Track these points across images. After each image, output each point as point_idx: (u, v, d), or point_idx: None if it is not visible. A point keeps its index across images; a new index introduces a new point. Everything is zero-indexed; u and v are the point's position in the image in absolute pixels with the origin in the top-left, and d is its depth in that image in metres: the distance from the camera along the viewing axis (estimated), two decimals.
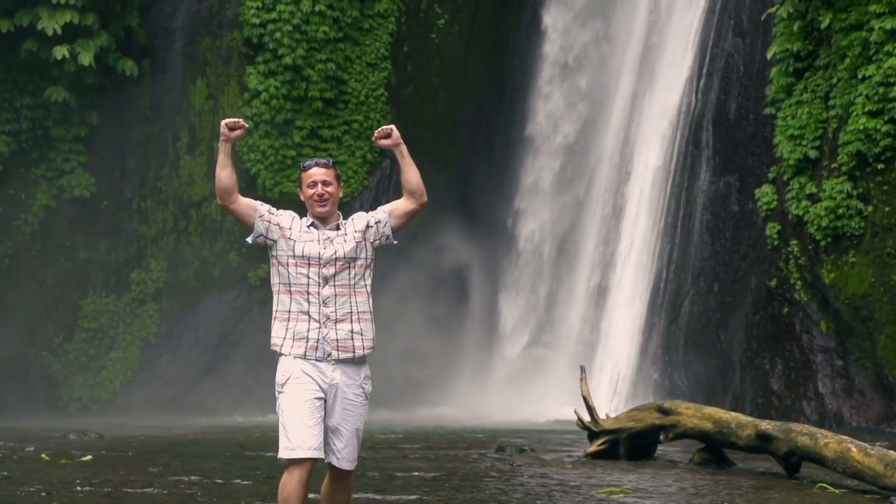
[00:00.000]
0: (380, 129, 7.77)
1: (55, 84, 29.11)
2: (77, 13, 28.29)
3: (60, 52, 28.21)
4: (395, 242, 7.82)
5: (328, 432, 7.52)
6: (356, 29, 30.65)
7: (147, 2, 30.48)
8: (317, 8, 29.50)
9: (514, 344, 30.99)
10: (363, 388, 7.61)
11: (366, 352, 7.59)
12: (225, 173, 7.62)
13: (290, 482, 7.36)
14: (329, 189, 7.63)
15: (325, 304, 7.51)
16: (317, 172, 7.66)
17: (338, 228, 7.65)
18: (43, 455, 15.42)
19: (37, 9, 28.32)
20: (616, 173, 29.42)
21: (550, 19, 31.79)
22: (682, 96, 27.44)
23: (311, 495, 8.51)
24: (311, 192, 7.64)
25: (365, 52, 30.81)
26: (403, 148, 7.73)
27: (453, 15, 32.00)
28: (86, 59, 28.44)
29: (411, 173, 7.73)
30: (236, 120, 7.65)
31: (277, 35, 29.54)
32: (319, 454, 7.41)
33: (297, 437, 7.37)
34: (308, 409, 7.41)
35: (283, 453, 7.41)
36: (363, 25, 30.76)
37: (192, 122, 30.86)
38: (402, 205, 7.79)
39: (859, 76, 21.33)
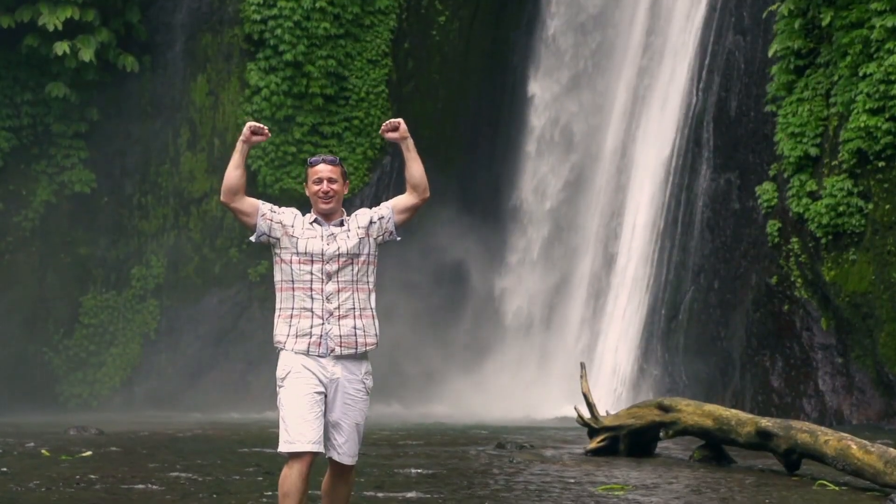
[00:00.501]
0: (387, 121, 7.79)
1: (56, 80, 29.11)
2: (78, 9, 28.28)
3: (61, 47, 28.20)
4: (399, 239, 7.84)
5: (329, 427, 7.53)
6: (357, 25, 30.66)
7: None
8: (317, 4, 29.50)
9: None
10: (364, 383, 7.62)
11: (368, 348, 7.61)
12: (236, 173, 7.68)
13: (289, 476, 7.36)
14: (334, 186, 7.65)
15: (328, 300, 7.52)
16: (323, 169, 7.68)
17: (341, 225, 7.67)
18: (43, 451, 15.42)
19: (37, 5, 28.30)
20: (616, 175, 29.46)
21: (538, 88, 31.98)
22: (681, 97, 27.45)
23: (311, 491, 8.52)
24: (316, 188, 7.65)
25: (366, 48, 30.82)
26: (410, 142, 7.75)
27: (454, 12, 32.00)
28: (86, 55, 28.43)
29: (416, 167, 7.75)
30: (262, 126, 7.71)
31: (278, 31, 29.54)
32: (319, 448, 7.41)
33: (297, 431, 7.37)
34: (308, 403, 7.42)
35: (283, 447, 7.42)
36: (364, 22, 30.76)
37: (192, 118, 30.85)
38: (405, 199, 7.81)
39: (860, 74, 21.32)
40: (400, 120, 7.79)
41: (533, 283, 31.12)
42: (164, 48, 30.95)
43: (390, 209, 7.79)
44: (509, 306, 31.53)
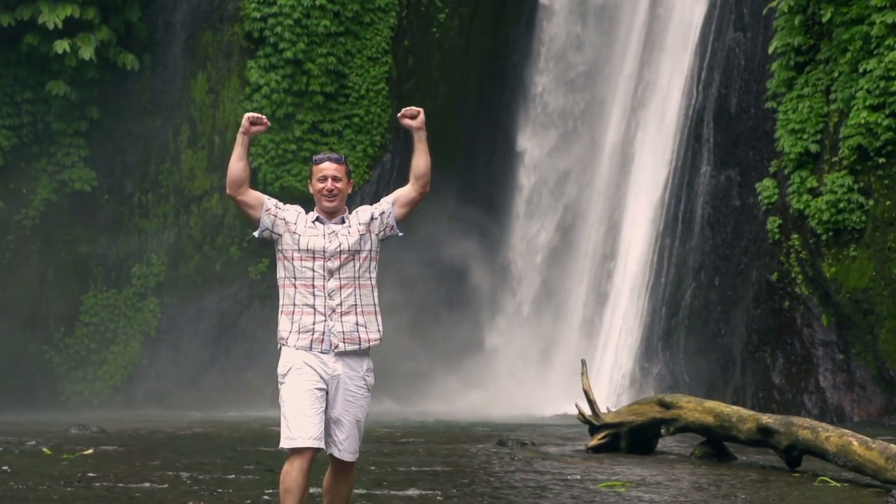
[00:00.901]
0: (408, 108, 7.84)
1: (56, 78, 29.13)
2: (78, 7, 28.29)
3: (61, 46, 28.20)
4: (401, 234, 7.87)
5: (330, 423, 7.55)
6: (357, 23, 30.65)
7: None
8: (317, 2, 29.50)
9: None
10: (365, 380, 7.63)
11: (371, 344, 7.63)
12: (239, 165, 7.70)
13: (290, 472, 7.37)
14: (339, 185, 7.69)
15: (330, 296, 7.55)
16: (328, 167, 7.72)
17: (342, 222, 7.70)
18: (44, 449, 15.43)
19: (37, 3, 28.31)
20: (618, 164, 29.48)
21: (528, 144, 32.14)
22: (681, 95, 27.48)
23: (312, 490, 8.52)
24: (320, 185, 7.69)
25: (365, 46, 30.81)
26: (423, 133, 7.82)
27: (454, 9, 32.00)
28: (86, 53, 28.44)
29: (423, 159, 7.80)
30: (260, 116, 7.74)
31: (278, 29, 29.54)
32: (320, 444, 7.42)
33: (298, 427, 7.39)
34: (309, 399, 7.44)
35: (284, 443, 7.43)
36: (364, 19, 30.75)
37: (192, 116, 30.86)
38: (406, 193, 7.83)
39: (860, 70, 21.30)
40: (420, 109, 7.86)
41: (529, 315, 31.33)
42: (165, 46, 30.97)
43: (390, 204, 7.82)
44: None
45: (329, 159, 7.75)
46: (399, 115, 7.89)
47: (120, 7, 29.81)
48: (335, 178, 7.68)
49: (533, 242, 31.62)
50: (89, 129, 30.11)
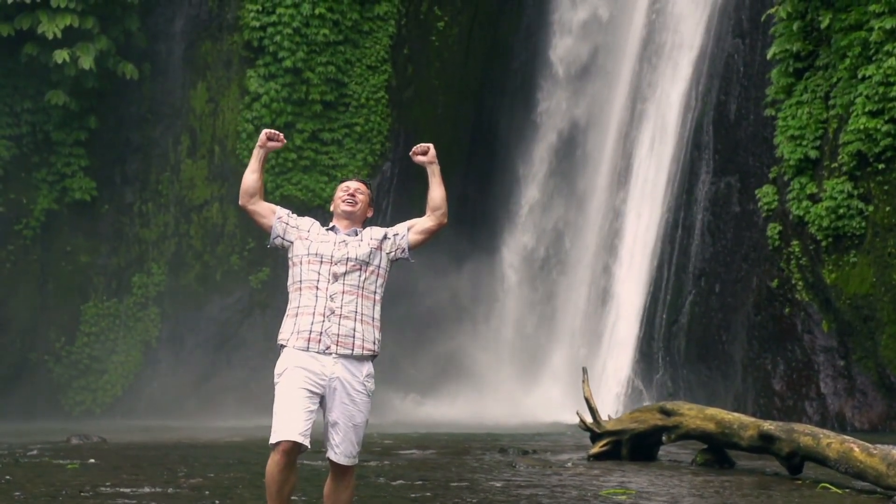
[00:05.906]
0: (418, 145, 8.04)
1: (55, 88, 29.13)
2: (77, 17, 28.29)
3: (61, 55, 28.20)
4: (412, 261, 8.00)
5: (328, 427, 7.69)
6: (356, 32, 30.68)
7: (147, 5, 30.48)
8: (317, 11, 29.53)
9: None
10: (365, 385, 7.71)
11: (365, 352, 7.69)
12: (253, 177, 7.96)
13: (269, 468, 7.54)
14: (359, 196, 7.92)
15: (331, 299, 7.67)
16: (352, 183, 8.01)
17: (356, 234, 7.86)
18: (46, 459, 15.42)
19: (37, 13, 28.32)
20: (616, 182, 29.51)
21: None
22: (681, 101, 27.52)
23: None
24: (341, 194, 7.93)
25: (365, 54, 30.84)
26: (436, 167, 7.98)
27: (453, 17, 32.04)
28: (86, 62, 28.44)
29: (438, 192, 7.94)
30: (277, 133, 7.99)
31: (277, 38, 29.58)
32: (303, 440, 7.51)
33: (282, 422, 7.51)
34: (297, 397, 7.56)
35: (271, 438, 7.55)
36: (363, 28, 30.79)
37: (192, 125, 30.86)
38: (422, 222, 7.99)
39: (859, 76, 21.34)
40: (430, 145, 8.02)
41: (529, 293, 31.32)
42: (164, 55, 30.98)
43: (406, 228, 8.00)
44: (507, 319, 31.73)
45: (355, 178, 8.07)
46: (410, 152, 8.08)
47: (119, 16, 29.81)
48: (358, 190, 7.93)
49: (532, 249, 31.64)
50: (89, 138, 30.11)
